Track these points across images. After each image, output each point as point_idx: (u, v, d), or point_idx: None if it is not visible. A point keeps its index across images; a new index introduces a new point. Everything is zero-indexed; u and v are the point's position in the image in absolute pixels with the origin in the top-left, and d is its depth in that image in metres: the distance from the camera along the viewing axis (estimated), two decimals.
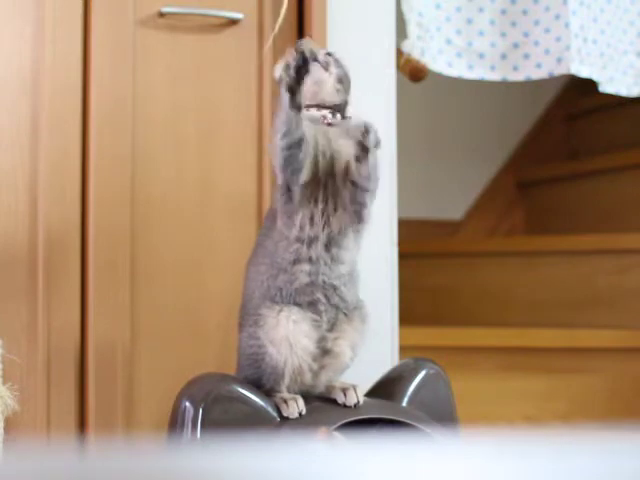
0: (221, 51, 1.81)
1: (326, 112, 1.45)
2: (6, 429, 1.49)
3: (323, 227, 1.43)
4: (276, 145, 1.41)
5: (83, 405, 1.69)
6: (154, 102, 1.76)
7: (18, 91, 1.68)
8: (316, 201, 1.43)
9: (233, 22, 1.81)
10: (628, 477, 0.65)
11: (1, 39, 1.68)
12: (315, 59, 1.44)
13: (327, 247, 1.43)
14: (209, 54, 1.80)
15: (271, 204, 1.55)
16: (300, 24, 1.86)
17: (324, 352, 1.45)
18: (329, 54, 1.48)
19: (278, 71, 1.46)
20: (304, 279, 1.43)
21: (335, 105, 1.46)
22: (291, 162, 1.40)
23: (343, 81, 1.47)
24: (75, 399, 1.68)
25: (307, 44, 1.43)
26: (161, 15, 1.77)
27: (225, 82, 1.81)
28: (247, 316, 1.48)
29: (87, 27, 1.72)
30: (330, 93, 1.46)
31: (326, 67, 1.46)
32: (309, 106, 1.45)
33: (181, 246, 1.77)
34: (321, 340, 1.44)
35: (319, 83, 1.45)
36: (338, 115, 1.46)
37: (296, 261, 1.43)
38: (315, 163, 1.43)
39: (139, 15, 1.76)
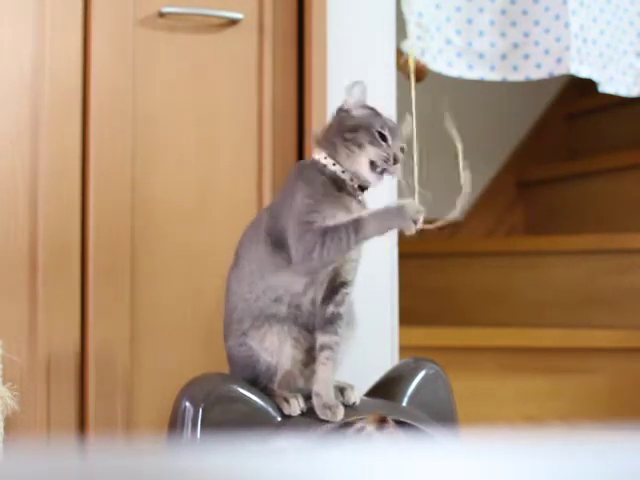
0: (221, 51, 1.81)
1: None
2: (6, 429, 1.49)
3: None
4: (317, 261, 1.37)
5: (83, 405, 1.69)
6: (154, 102, 1.76)
7: (18, 91, 1.68)
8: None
9: (233, 22, 1.81)
10: (628, 477, 0.65)
11: (1, 39, 1.68)
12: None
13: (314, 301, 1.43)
14: (209, 54, 1.80)
15: (260, 216, 1.52)
16: (300, 24, 1.86)
17: (314, 358, 1.44)
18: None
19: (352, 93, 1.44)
20: (287, 310, 1.43)
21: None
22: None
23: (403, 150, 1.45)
24: (75, 399, 1.68)
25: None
26: (161, 15, 1.76)
27: (225, 82, 1.81)
28: (232, 325, 1.46)
29: (87, 27, 1.72)
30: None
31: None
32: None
33: (181, 246, 1.77)
34: (310, 349, 1.44)
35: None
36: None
37: (278, 299, 1.43)
38: None
39: (139, 15, 1.76)
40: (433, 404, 1.52)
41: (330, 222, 1.37)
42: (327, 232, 1.36)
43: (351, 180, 1.42)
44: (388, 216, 1.37)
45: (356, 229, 1.35)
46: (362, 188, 1.44)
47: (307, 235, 1.37)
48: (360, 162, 1.41)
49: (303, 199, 1.39)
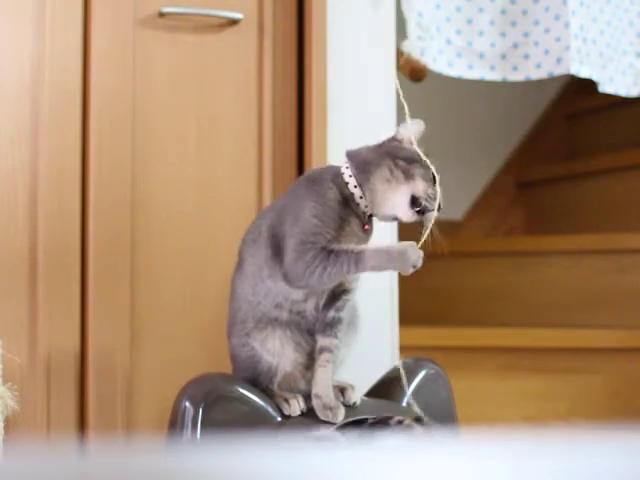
0: (221, 51, 1.81)
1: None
2: (6, 429, 1.49)
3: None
4: (315, 281, 1.36)
5: (83, 405, 1.69)
6: (154, 102, 1.76)
7: (18, 91, 1.68)
8: None
9: (233, 22, 1.81)
10: (628, 477, 0.65)
11: (1, 39, 1.68)
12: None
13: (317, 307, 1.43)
14: (209, 54, 1.80)
15: (263, 213, 1.51)
16: (300, 24, 1.86)
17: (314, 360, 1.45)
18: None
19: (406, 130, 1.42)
20: (288, 316, 1.44)
21: None
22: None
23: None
24: (75, 399, 1.68)
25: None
26: (161, 15, 1.77)
27: (225, 82, 1.81)
28: (236, 325, 1.47)
29: (87, 27, 1.72)
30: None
31: None
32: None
33: (181, 247, 1.77)
34: (313, 352, 1.44)
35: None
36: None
37: (278, 306, 1.43)
38: None
39: (139, 15, 1.76)
40: (433, 404, 1.52)
41: (334, 245, 1.36)
42: (329, 256, 1.35)
43: (365, 207, 1.40)
44: (390, 258, 1.35)
45: (356, 262, 1.34)
46: (371, 215, 1.42)
47: (308, 254, 1.36)
48: (401, 191, 1.39)
49: (310, 218, 1.37)
